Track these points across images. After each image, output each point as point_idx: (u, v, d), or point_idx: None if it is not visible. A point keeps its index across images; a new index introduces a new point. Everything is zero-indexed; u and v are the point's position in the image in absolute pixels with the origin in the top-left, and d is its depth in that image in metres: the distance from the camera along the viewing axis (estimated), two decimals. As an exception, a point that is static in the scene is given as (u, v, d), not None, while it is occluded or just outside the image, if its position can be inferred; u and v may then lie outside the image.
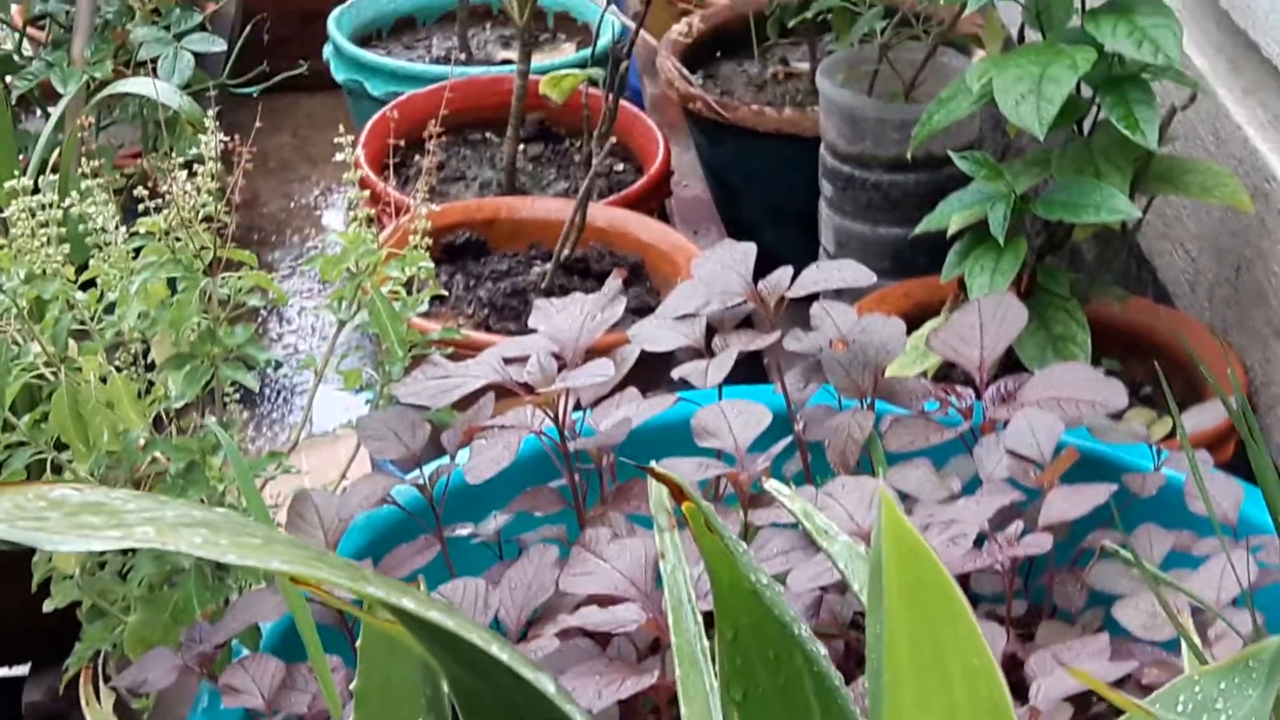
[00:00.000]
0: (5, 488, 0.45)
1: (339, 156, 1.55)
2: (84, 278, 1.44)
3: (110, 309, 1.44)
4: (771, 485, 1.18)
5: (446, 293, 2.23)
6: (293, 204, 3.63)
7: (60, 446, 1.45)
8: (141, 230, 1.41)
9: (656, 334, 1.54)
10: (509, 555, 1.49)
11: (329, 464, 1.85)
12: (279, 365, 2.78)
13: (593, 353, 1.47)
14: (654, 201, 2.54)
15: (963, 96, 1.82)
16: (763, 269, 1.62)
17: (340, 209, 3.61)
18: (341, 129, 1.63)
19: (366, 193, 1.53)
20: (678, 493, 0.62)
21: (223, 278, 1.41)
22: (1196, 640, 1.15)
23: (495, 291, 2.23)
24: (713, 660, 0.96)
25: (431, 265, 1.53)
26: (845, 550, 1.06)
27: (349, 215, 1.51)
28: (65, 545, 0.42)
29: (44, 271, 1.39)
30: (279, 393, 2.99)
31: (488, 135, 2.77)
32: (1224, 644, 1.34)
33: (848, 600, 1.33)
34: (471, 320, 2.20)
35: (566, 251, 2.25)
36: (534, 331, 1.54)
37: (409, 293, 1.61)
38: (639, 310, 2.20)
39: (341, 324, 1.51)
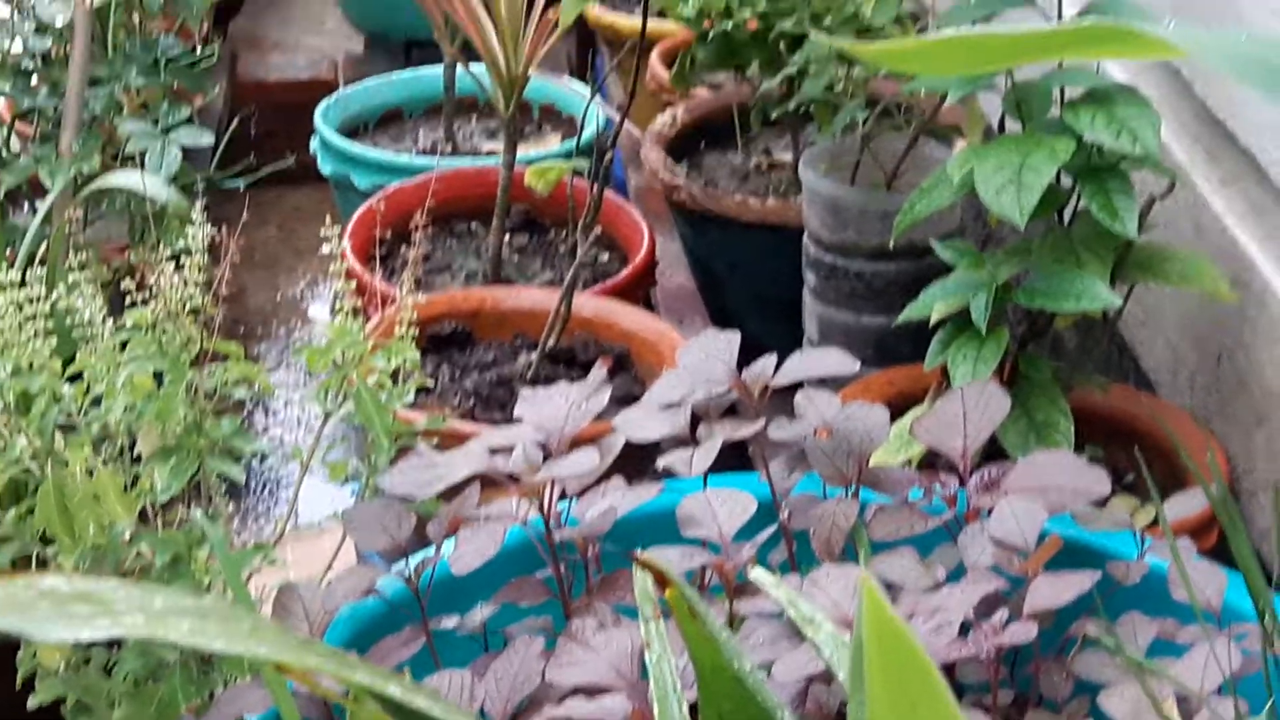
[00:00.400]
0: (-7, 582, 0.45)
1: (325, 249, 1.56)
2: (71, 371, 1.44)
3: (97, 402, 1.45)
4: (756, 574, 1.18)
5: (433, 383, 2.24)
6: (279, 297, 3.65)
7: (46, 540, 1.45)
8: (129, 323, 1.42)
9: (641, 423, 1.55)
10: (495, 647, 1.49)
11: (315, 556, 1.85)
12: (265, 458, 2.78)
13: (578, 442, 1.48)
14: (639, 291, 2.55)
15: (944, 186, 1.84)
16: (747, 357, 1.63)
17: (326, 301, 3.62)
18: (328, 221, 1.65)
19: (353, 284, 1.54)
20: (661, 579, 0.63)
21: (209, 370, 1.41)
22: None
23: (481, 381, 2.24)
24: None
25: (417, 356, 1.54)
26: (830, 639, 1.07)
27: (335, 307, 1.52)
28: (54, 634, 0.43)
29: (31, 365, 1.40)
30: (265, 485, 2.99)
31: (473, 226, 2.79)
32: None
33: (834, 690, 1.33)
34: (457, 410, 2.20)
35: (552, 341, 2.26)
36: (519, 421, 1.55)
37: (395, 384, 1.62)
38: (625, 399, 2.20)
39: (328, 415, 1.51)
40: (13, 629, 0.42)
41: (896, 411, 2.01)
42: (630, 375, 2.29)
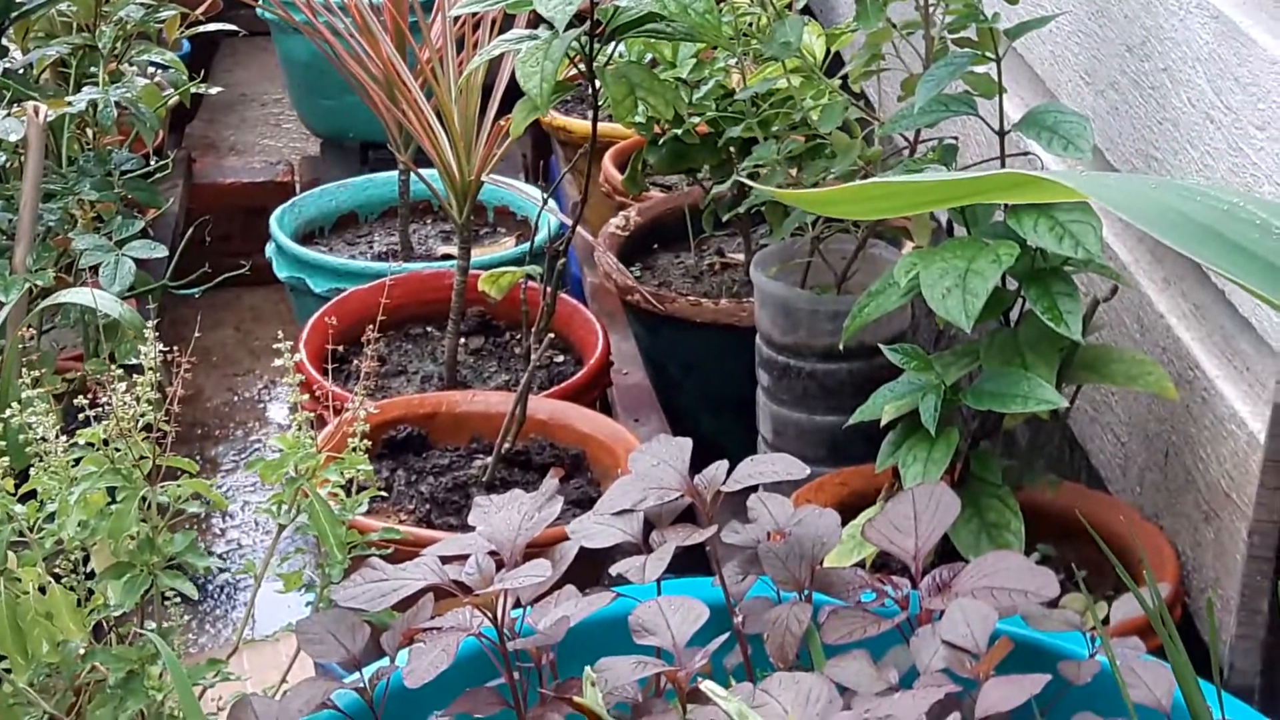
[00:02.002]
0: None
1: (279, 361, 1.57)
2: (24, 489, 1.45)
3: (50, 518, 1.45)
4: (707, 686, 1.19)
5: (387, 490, 2.25)
6: (236, 398, 3.65)
7: (-1, 657, 1.45)
8: (81, 441, 1.42)
9: (594, 530, 1.56)
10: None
11: (270, 665, 1.85)
12: (221, 571, 2.77)
13: (532, 548, 1.49)
14: (595, 392, 2.57)
15: (892, 290, 1.87)
16: (701, 457, 1.64)
17: (284, 401, 3.62)
18: (282, 327, 1.66)
19: (307, 396, 1.55)
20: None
21: (162, 486, 1.42)
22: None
23: (436, 486, 2.25)
24: None
25: (370, 468, 1.55)
26: (780, 752, 1.07)
27: (290, 419, 1.53)
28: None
29: (-17, 484, 1.40)
30: (221, 589, 2.98)
31: (429, 329, 2.81)
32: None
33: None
34: (413, 516, 2.21)
35: (507, 445, 2.27)
36: (473, 529, 1.56)
37: (349, 493, 1.62)
38: (580, 502, 2.21)
39: (281, 527, 1.52)
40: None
41: (850, 511, 2.02)
42: (586, 477, 2.30)
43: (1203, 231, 0.55)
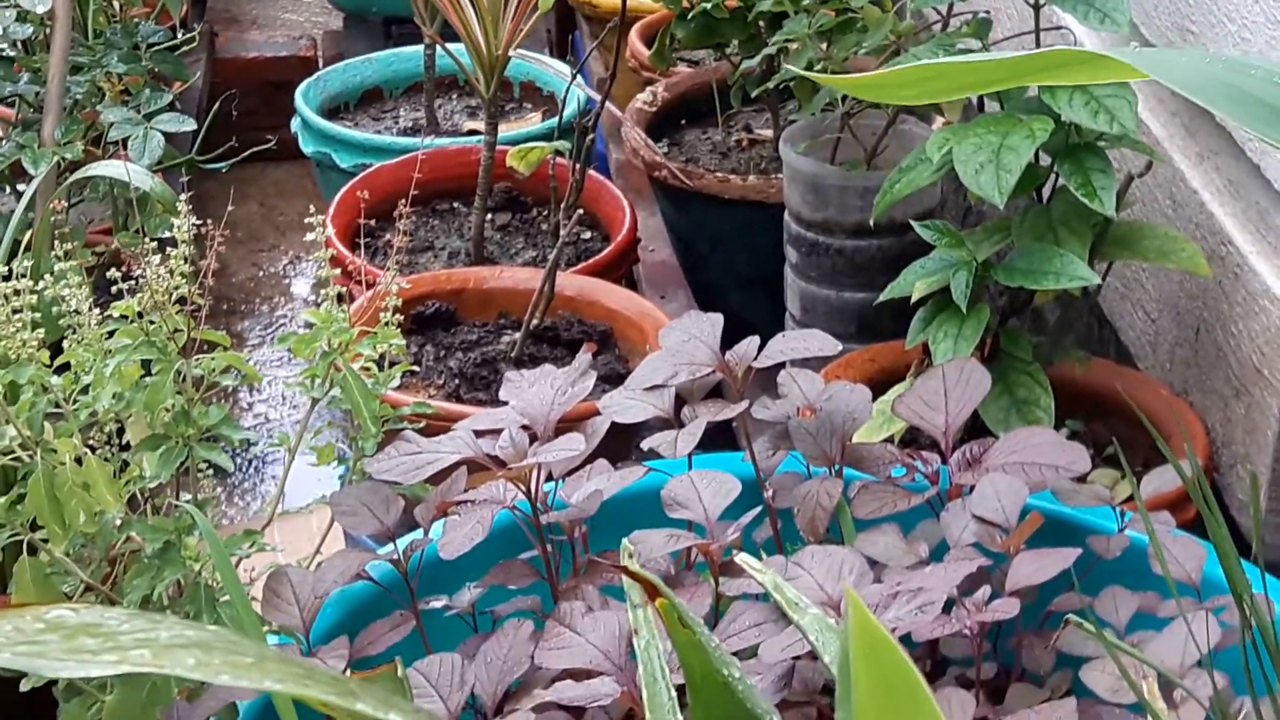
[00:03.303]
0: (4, 611, 0.46)
1: (309, 236, 1.57)
2: (59, 362, 1.45)
3: (85, 391, 1.46)
4: (742, 559, 1.20)
5: (416, 365, 2.25)
6: (261, 273, 3.65)
7: (35, 527, 1.46)
8: (115, 314, 1.43)
9: (626, 405, 1.56)
10: (483, 628, 1.51)
11: (302, 535, 1.86)
12: (250, 445, 2.79)
13: (564, 422, 1.49)
14: (622, 269, 2.56)
15: (923, 166, 1.85)
16: (729, 333, 1.64)
17: (309, 277, 3.63)
18: (307, 202, 1.65)
19: (338, 271, 1.55)
20: (651, 590, 0.64)
21: (196, 359, 1.42)
22: (1160, 709, 1.17)
23: (465, 362, 2.25)
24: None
25: (403, 342, 1.55)
26: (816, 623, 1.08)
27: (321, 294, 1.53)
28: (65, 672, 0.43)
29: (19, 356, 1.41)
30: (250, 462, 3.00)
31: (455, 205, 2.80)
32: (1188, 707, 1.36)
33: (818, 667, 1.34)
34: (442, 391, 2.22)
35: (535, 321, 2.27)
36: (504, 403, 1.56)
37: (380, 367, 1.63)
38: (608, 378, 2.22)
39: (314, 401, 1.52)
40: (25, 666, 0.43)
41: (878, 387, 2.02)
42: (614, 354, 2.31)
43: (1268, 110, 0.54)
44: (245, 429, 1.48)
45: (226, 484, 2.91)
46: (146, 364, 1.45)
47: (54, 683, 1.58)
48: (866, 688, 0.49)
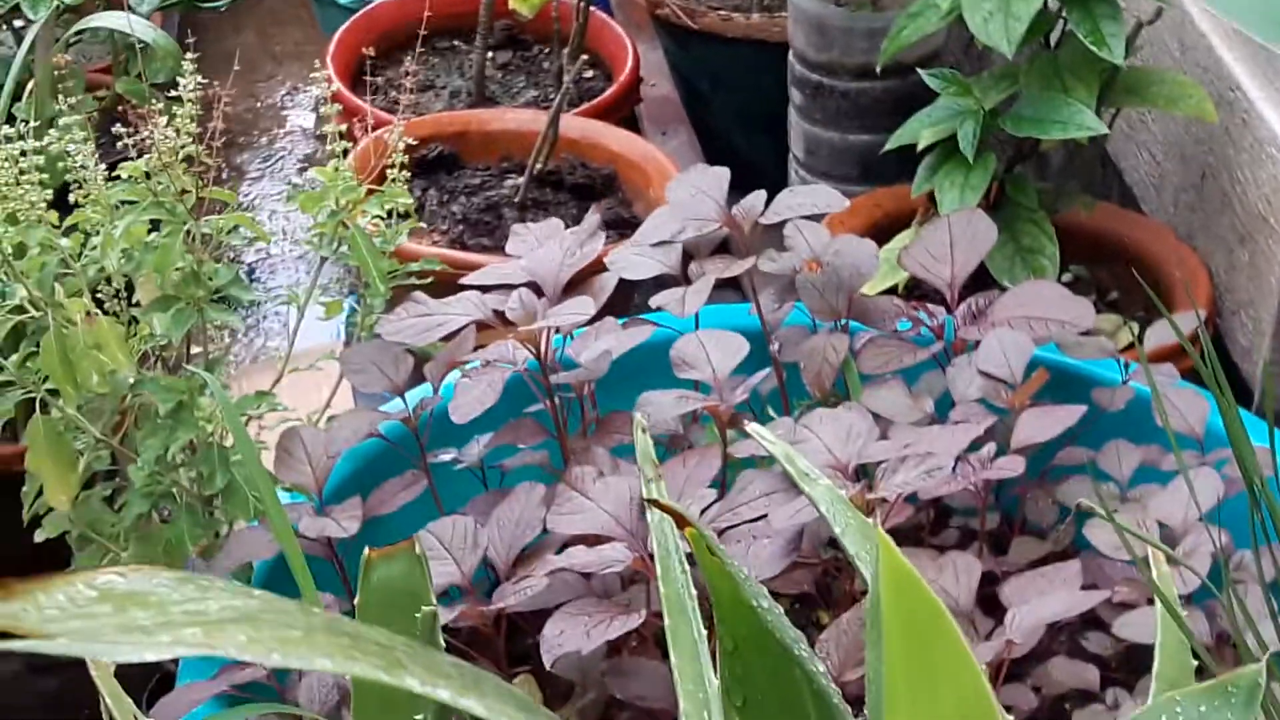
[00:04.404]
0: (55, 581, 0.46)
1: (315, 75, 1.56)
2: (67, 223, 1.45)
3: (92, 249, 1.46)
4: (753, 429, 1.21)
5: (420, 210, 2.25)
6: (259, 104, 3.62)
7: (48, 386, 1.47)
8: (123, 175, 1.42)
9: (633, 261, 1.56)
10: (493, 482, 1.53)
11: (309, 387, 1.87)
12: (254, 304, 2.78)
13: (573, 279, 1.49)
14: (625, 109, 2.55)
15: (931, 12, 1.84)
16: (734, 176, 1.63)
17: (306, 108, 3.60)
18: (302, 30, 1.63)
19: (343, 126, 1.54)
20: (679, 520, 0.65)
21: (205, 219, 1.42)
22: (1164, 572, 1.19)
23: (469, 207, 2.25)
24: (700, 609, 0.99)
25: (410, 200, 1.55)
26: (826, 494, 1.09)
27: (327, 150, 1.52)
28: (122, 656, 0.44)
29: (27, 218, 1.40)
30: (255, 302, 3.00)
31: (455, 43, 2.77)
32: (1196, 558, 1.38)
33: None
34: (446, 236, 2.21)
35: (540, 165, 2.26)
36: (510, 256, 1.56)
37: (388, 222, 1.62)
38: (612, 223, 2.22)
39: (323, 260, 1.52)
40: (85, 653, 0.44)
41: (883, 232, 2.02)
42: (617, 197, 2.30)
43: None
44: (241, 265, 1.48)
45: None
46: (155, 223, 1.45)
47: (67, 531, 1.60)
48: (898, 628, 0.50)
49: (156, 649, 0.44)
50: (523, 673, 1.38)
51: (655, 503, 0.70)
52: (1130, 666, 1.40)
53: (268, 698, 1.29)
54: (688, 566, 1.04)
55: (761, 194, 1.61)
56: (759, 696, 0.67)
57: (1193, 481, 1.45)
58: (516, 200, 2.23)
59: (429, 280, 1.60)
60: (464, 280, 1.52)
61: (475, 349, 1.48)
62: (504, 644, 1.28)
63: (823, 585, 1.43)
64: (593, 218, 1.49)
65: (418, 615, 0.93)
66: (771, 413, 1.55)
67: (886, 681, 0.52)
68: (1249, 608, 1.11)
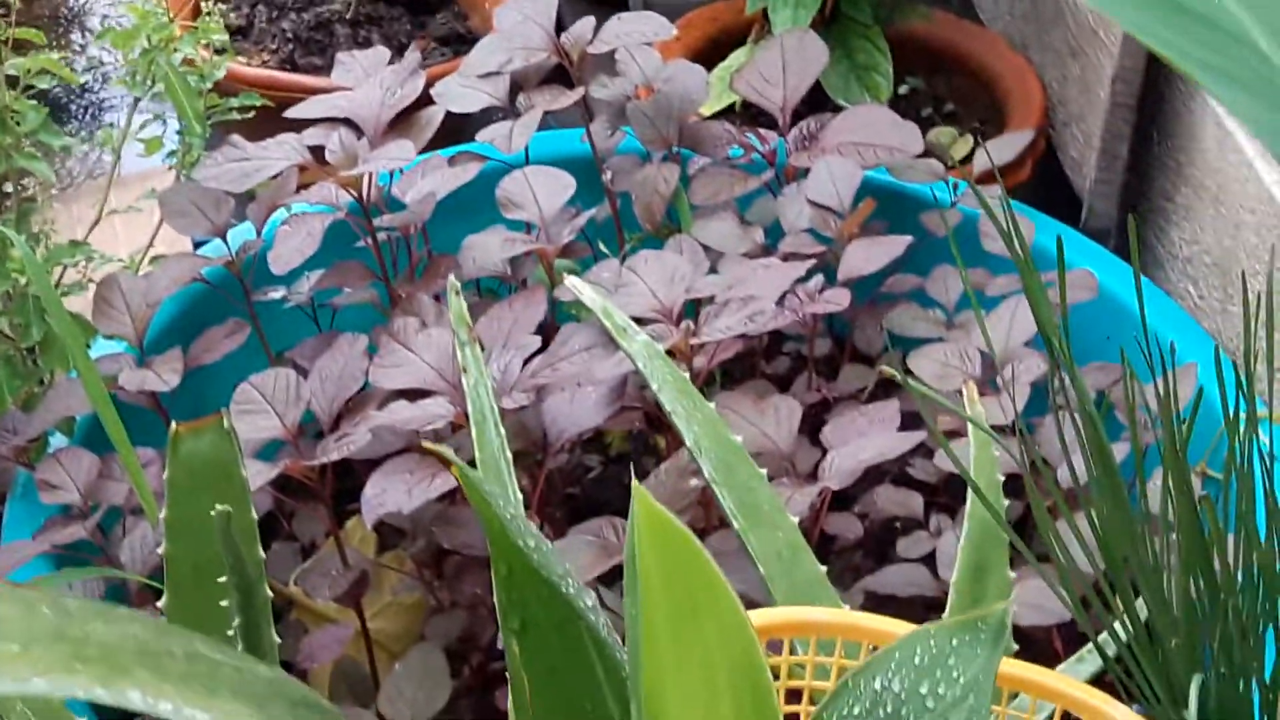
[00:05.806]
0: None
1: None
2: None
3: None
4: (571, 282, 1.20)
5: (248, 28, 2.19)
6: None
7: None
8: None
9: (460, 94, 1.53)
10: (323, 321, 1.51)
11: (134, 227, 1.83)
12: (85, 90, 2.70)
13: (396, 121, 1.47)
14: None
15: None
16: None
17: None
18: None
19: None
20: (445, 462, 0.64)
21: (11, 63, 1.37)
22: (978, 412, 1.20)
23: (299, 24, 2.19)
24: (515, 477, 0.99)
25: (225, 37, 1.50)
26: (644, 349, 1.09)
27: (138, -19, 1.47)
28: None
29: None
30: (86, 109, 2.92)
31: None
32: (1018, 386, 1.40)
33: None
34: (276, 56, 2.16)
35: (370, -22, 2.20)
36: (337, 86, 1.53)
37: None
38: (447, 39, 2.17)
39: (137, 100, 1.48)
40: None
41: (720, 47, 2.00)
42: (452, 11, 2.25)
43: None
44: (68, 135, 1.44)
45: (66, 130, 2.83)
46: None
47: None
48: (659, 578, 0.50)
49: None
50: (356, 514, 1.38)
51: (435, 452, 0.69)
52: (953, 491, 1.43)
53: (91, 554, 1.29)
54: (503, 432, 1.04)
55: (590, 21, 1.59)
56: (535, 620, 0.68)
57: (1014, 308, 1.46)
58: (348, 16, 2.18)
59: (251, 114, 1.57)
60: (287, 113, 1.48)
61: (299, 189, 1.45)
62: (331, 491, 1.28)
63: (655, 417, 1.44)
64: (414, 55, 1.46)
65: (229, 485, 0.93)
66: (604, 248, 1.54)
67: (644, 624, 0.52)
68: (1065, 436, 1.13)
